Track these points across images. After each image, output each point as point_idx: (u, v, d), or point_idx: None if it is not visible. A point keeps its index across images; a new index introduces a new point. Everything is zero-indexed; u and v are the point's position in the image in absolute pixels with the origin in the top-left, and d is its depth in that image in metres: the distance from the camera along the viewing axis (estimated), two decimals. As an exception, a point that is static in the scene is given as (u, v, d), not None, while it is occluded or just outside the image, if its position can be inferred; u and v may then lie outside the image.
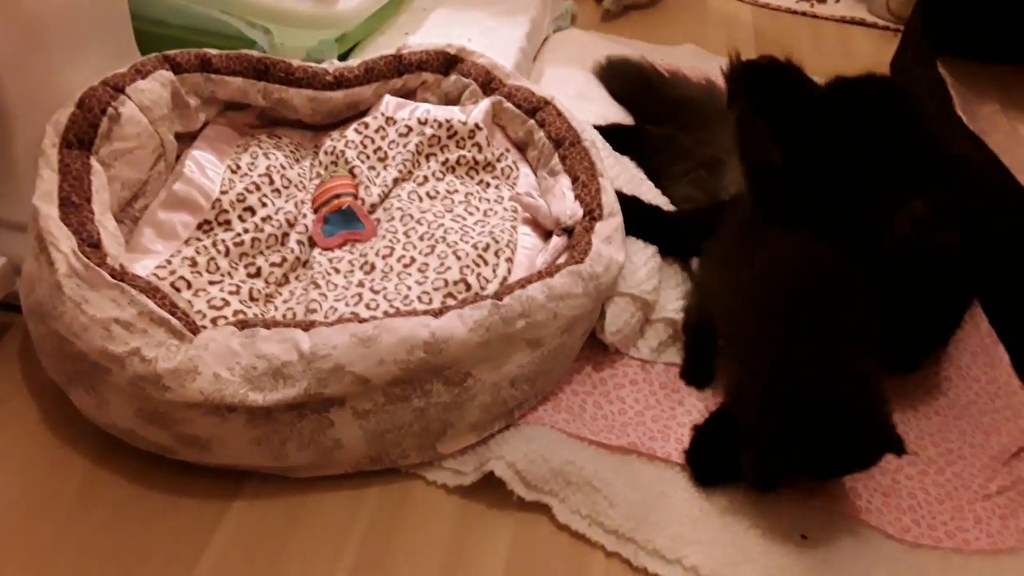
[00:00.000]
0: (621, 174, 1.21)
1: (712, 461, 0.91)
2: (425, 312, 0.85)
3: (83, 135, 0.99)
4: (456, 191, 1.16)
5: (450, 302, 0.96)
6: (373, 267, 1.02)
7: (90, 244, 0.88)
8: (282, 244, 1.07)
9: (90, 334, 0.81)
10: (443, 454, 0.89)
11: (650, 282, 1.04)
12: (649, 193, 1.20)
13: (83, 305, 0.81)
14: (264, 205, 1.09)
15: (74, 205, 0.92)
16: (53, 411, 0.91)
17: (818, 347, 0.85)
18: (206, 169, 1.10)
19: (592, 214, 1.04)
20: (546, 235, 1.11)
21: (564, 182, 1.11)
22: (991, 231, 1.11)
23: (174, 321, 0.82)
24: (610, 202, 1.05)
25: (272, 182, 1.11)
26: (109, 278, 0.83)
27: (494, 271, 1.01)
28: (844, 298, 0.91)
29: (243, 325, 0.85)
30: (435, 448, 0.88)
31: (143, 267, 0.98)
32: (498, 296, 0.87)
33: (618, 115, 1.44)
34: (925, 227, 0.96)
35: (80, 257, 0.84)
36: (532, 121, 1.23)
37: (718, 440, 0.93)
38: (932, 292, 0.99)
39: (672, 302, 1.06)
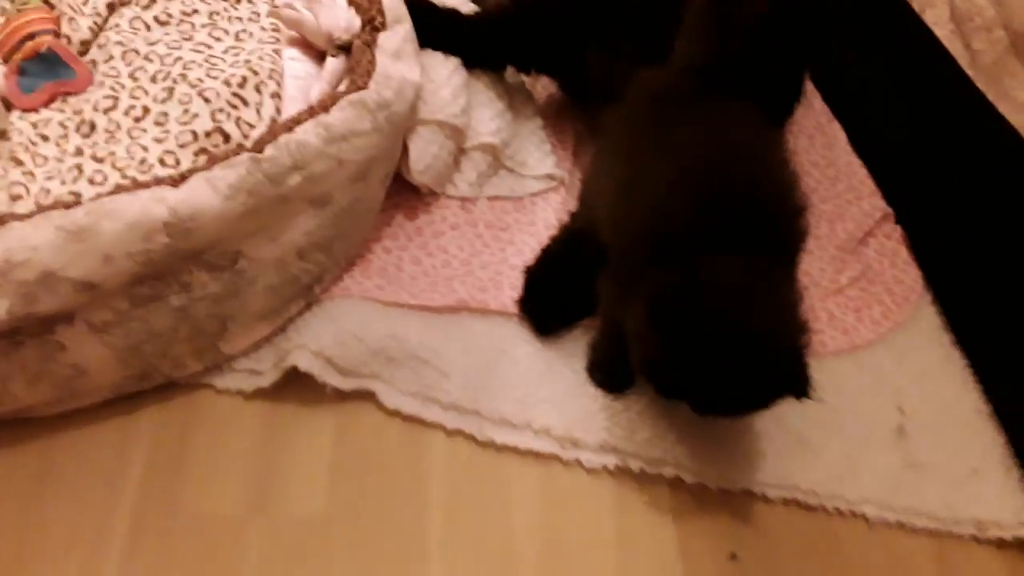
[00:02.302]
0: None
1: (550, 305, 0.79)
2: (160, 182, 0.63)
3: None
4: (196, 11, 0.89)
5: (203, 161, 0.75)
6: (94, 126, 0.77)
7: None
8: (-40, 111, 0.79)
9: None
10: (230, 354, 0.72)
11: (456, 103, 0.86)
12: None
13: None
14: (-77, 59, 0.79)
15: None
16: None
17: (729, 257, 0.65)
18: None
19: (373, 23, 0.82)
20: (320, 57, 0.88)
21: (334, -14, 0.87)
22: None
23: None
24: (394, 6, 0.84)
25: (-71, 26, 0.81)
26: None
27: (258, 112, 0.79)
28: (768, 194, 0.70)
29: (-101, 236, 0.60)
30: (218, 349, 0.71)
31: None
32: (258, 147, 0.66)
33: None
34: None
35: None
36: (283, -91, 0.95)
37: (554, 280, 0.80)
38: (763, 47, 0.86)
39: (485, 123, 0.89)
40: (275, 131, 0.68)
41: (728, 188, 0.69)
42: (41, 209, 0.62)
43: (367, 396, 0.73)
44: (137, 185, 0.63)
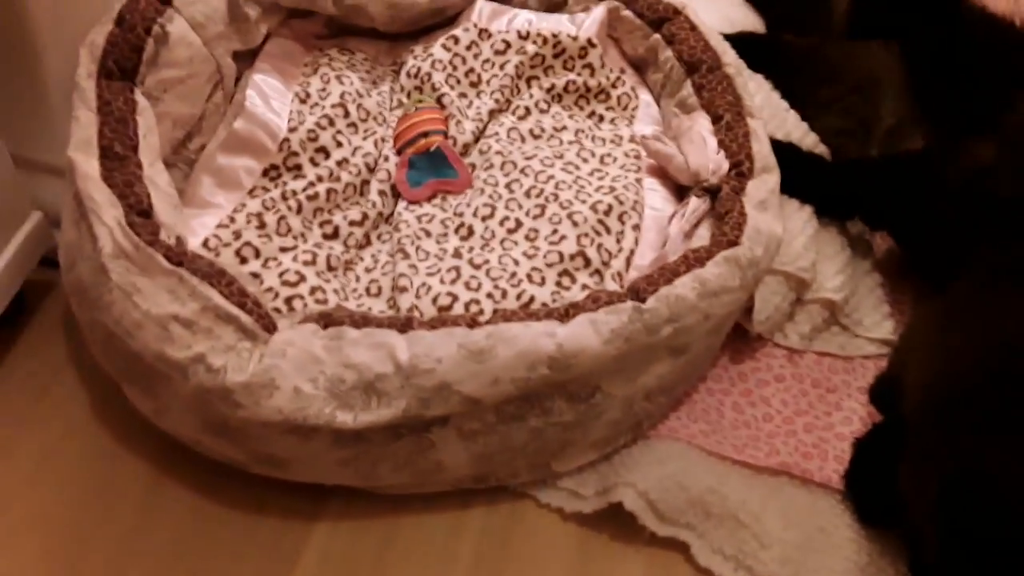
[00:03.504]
0: (761, 104, 0.99)
1: (878, 490, 0.75)
2: (549, 315, 0.68)
3: (125, 61, 0.81)
4: (564, 127, 0.96)
5: (566, 282, 0.80)
6: (471, 231, 0.85)
7: (139, 212, 0.72)
8: (361, 195, 0.90)
9: (144, 333, 0.66)
10: (558, 472, 0.75)
11: (807, 256, 0.85)
12: (795, 128, 0.98)
13: (134, 296, 0.67)
14: (339, 145, 0.91)
15: (118, 157, 0.76)
16: (106, 401, 0.79)
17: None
18: (271, 99, 0.92)
19: (740, 168, 0.84)
20: (677, 189, 0.91)
21: (702, 123, 0.90)
22: None
23: (244, 317, 0.67)
24: (764, 153, 0.85)
25: (347, 115, 0.93)
26: (165, 263, 0.68)
27: (618, 242, 0.83)
28: None
29: (327, 321, 0.70)
30: (549, 466, 0.74)
31: (203, 225, 0.83)
32: (638, 295, 0.70)
33: (747, 19, 1.19)
34: None
35: (129, 233, 0.69)
36: (657, 35, 1.00)
37: (886, 459, 0.76)
38: None
39: (830, 278, 0.87)
40: (654, 280, 0.71)
41: None
42: (443, 320, 0.69)
43: (679, 546, 0.73)
44: (528, 314, 0.69)
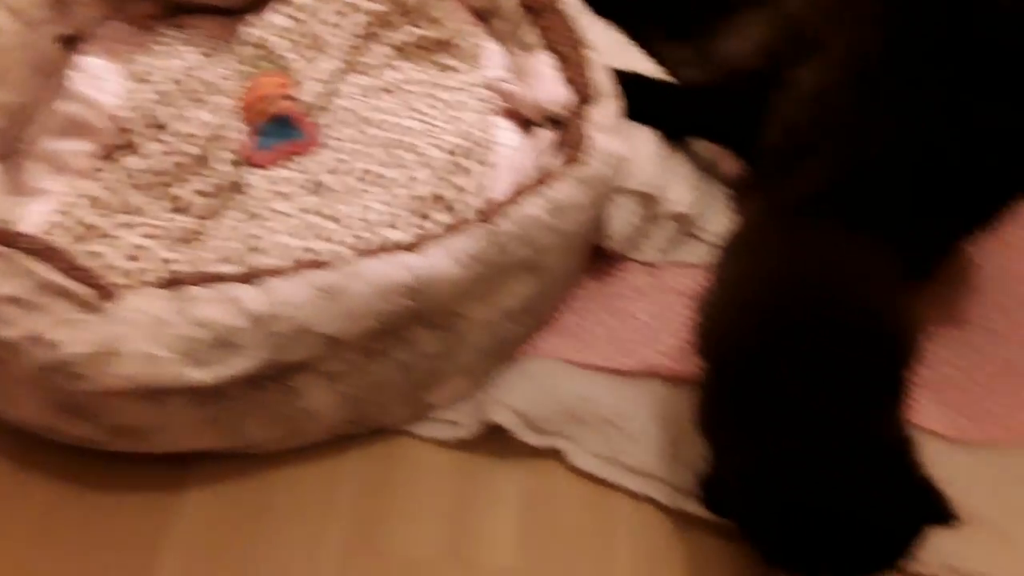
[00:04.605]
0: (601, 40, 1.01)
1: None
2: (399, 247, 0.68)
3: (-68, 50, 0.77)
4: (413, 80, 0.96)
5: (426, 225, 0.80)
6: (324, 186, 0.84)
7: (-42, 197, 0.69)
8: (207, 166, 0.87)
9: (-27, 318, 0.63)
10: (433, 405, 0.75)
11: (655, 173, 0.88)
12: (640, 62, 1.01)
13: (-42, 281, 0.64)
14: (179, 119, 0.88)
15: (-68, 146, 0.72)
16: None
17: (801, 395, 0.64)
18: (99, 80, 0.89)
19: (582, 96, 0.86)
20: (526, 126, 0.93)
21: (543, 59, 0.91)
22: None
23: (78, 289, 0.65)
24: (602, 80, 0.87)
25: (186, 88, 0.91)
26: (-13, 243, 0.65)
27: (473, 179, 0.84)
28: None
29: (170, 283, 0.68)
30: (423, 400, 0.75)
31: (35, 213, 0.79)
32: (487, 218, 0.70)
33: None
34: None
35: (-55, 218, 0.65)
36: (496, -16, 1.01)
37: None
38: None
39: (680, 193, 0.90)
40: (504, 204, 0.72)
41: (801, 310, 0.68)
42: (295, 267, 0.68)
43: (555, 454, 0.75)
44: (381, 249, 0.68)
